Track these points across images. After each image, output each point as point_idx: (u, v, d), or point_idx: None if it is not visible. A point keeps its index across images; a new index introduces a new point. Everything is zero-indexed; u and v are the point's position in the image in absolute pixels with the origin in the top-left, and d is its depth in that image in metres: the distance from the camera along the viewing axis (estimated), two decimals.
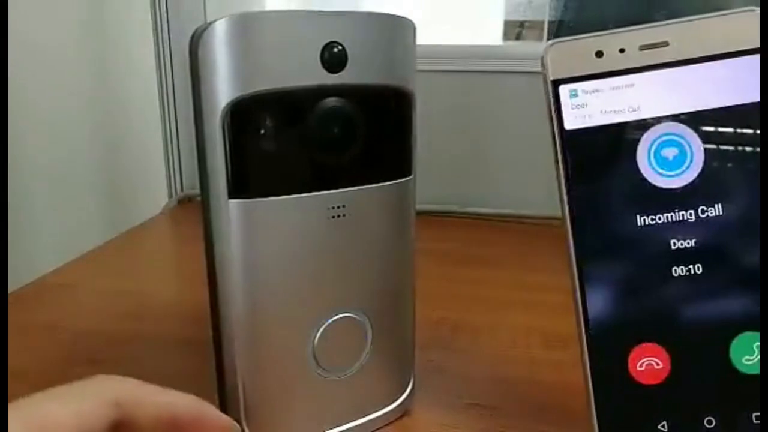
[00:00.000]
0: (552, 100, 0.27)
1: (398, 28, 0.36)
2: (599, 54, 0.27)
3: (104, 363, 0.49)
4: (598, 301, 0.26)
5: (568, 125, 0.27)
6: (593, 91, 0.27)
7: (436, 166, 0.79)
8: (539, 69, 0.28)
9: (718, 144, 0.27)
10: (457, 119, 0.83)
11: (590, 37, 0.27)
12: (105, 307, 0.58)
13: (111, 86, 0.78)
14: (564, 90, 0.27)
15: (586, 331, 0.26)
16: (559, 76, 0.27)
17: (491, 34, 0.92)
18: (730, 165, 0.27)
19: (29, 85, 0.64)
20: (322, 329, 0.37)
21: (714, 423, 0.26)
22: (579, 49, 0.27)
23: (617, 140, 0.27)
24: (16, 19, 0.61)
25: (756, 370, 0.26)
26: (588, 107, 0.27)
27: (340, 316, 0.37)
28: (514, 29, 0.93)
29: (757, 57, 0.26)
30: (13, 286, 0.60)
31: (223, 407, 0.38)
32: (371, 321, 0.38)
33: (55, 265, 0.66)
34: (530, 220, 0.79)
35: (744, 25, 0.27)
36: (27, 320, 0.55)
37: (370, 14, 0.35)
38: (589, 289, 0.27)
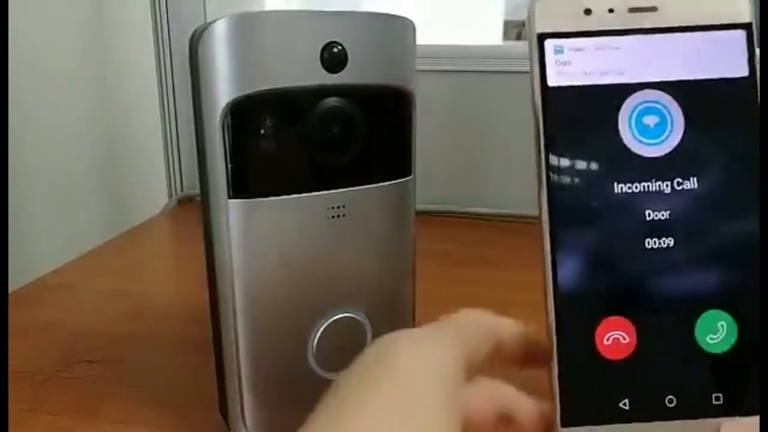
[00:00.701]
0: (536, 54, 0.26)
1: (398, 28, 0.36)
2: (588, 12, 0.26)
3: (104, 362, 0.49)
4: (569, 269, 0.26)
5: (551, 82, 0.26)
6: (578, 50, 0.26)
7: (436, 166, 0.79)
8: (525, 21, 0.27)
9: (698, 117, 0.26)
10: (457, 119, 0.83)
11: None
12: (105, 307, 0.58)
13: (111, 86, 0.78)
14: (549, 45, 0.26)
15: (555, 299, 0.26)
16: (545, 30, 0.26)
17: (491, 34, 0.92)
18: (708, 139, 0.26)
19: (29, 86, 0.64)
20: (322, 329, 0.37)
21: (675, 402, 0.26)
22: (567, 5, 0.26)
23: (599, 102, 0.26)
24: (16, 19, 0.61)
25: (719, 350, 0.26)
26: (572, 65, 0.26)
27: (340, 316, 0.37)
28: (514, 29, 0.93)
29: (742, 33, 0.26)
30: (13, 286, 0.60)
31: (224, 407, 0.38)
32: (371, 321, 0.38)
33: (55, 265, 0.66)
34: (530, 220, 0.79)
35: (731, 1, 0.27)
36: (27, 320, 0.55)
37: (370, 14, 0.35)
38: (561, 256, 0.26)
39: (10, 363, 0.47)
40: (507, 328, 0.27)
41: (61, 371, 0.48)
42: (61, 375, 0.47)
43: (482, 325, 0.27)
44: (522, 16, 0.92)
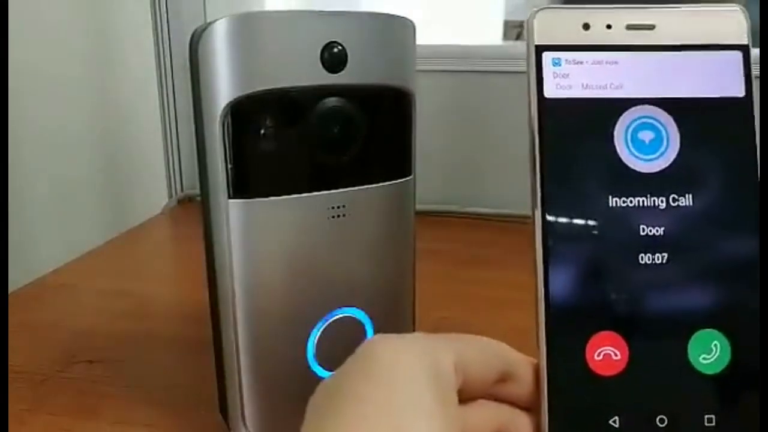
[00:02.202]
0: (534, 66, 0.27)
1: (398, 28, 0.36)
2: (586, 27, 0.27)
3: (104, 362, 0.49)
4: (562, 282, 0.26)
5: (548, 93, 0.26)
6: (576, 63, 0.27)
7: (436, 166, 0.79)
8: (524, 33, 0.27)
9: (694, 134, 0.27)
10: (458, 119, 0.83)
11: (579, 8, 0.27)
12: (105, 307, 0.58)
13: (111, 87, 0.78)
14: (547, 57, 0.27)
15: (546, 312, 0.26)
16: (544, 43, 0.27)
17: (491, 34, 0.92)
18: (704, 157, 0.27)
19: (30, 86, 0.64)
20: (322, 329, 0.37)
21: (666, 422, 0.26)
22: (566, 19, 0.27)
23: (596, 116, 0.27)
24: (16, 19, 0.61)
25: (712, 370, 0.26)
26: (570, 78, 0.27)
27: (340, 315, 0.37)
28: (514, 29, 0.93)
29: (739, 54, 0.27)
30: (13, 286, 0.60)
31: (224, 407, 0.38)
32: (371, 321, 0.38)
33: (55, 265, 0.66)
34: (530, 220, 0.79)
35: (729, 22, 0.27)
36: (27, 320, 0.55)
37: (370, 14, 0.35)
38: (553, 269, 0.26)
39: (10, 363, 0.47)
40: (521, 364, 0.26)
41: (61, 371, 0.48)
42: (61, 375, 0.47)
43: (489, 349, 0.26)
44: (522, 15, 0.92)
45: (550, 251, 0.26)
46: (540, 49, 0.27)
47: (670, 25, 0.27)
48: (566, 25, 0.27)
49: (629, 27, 0.27)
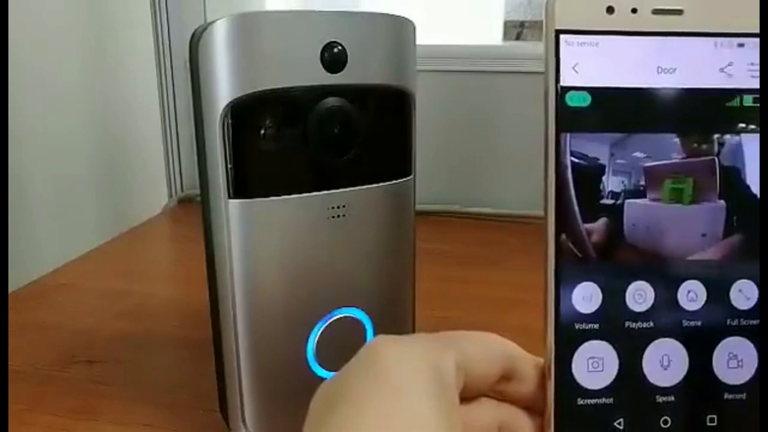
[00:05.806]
0: (552, 51, 0.25)
1: (398, 28, 0.36)
2: (610, 10, 0.25)
3: (104, 362, 0.49)
4: (572, 293, 0.25)
5: (566, 82, 0.25)
6: (597, 49, 0.25)
7: (436, 166, 0.79)
8: (542, 19, 0.26)
9: (719, 121, 0.26)
10: (457, 119, 0.83)
11: None
12: (105, 307, 0.58)
13: (111, 87, 0.78)
14: (567, 42, 0.25)
15: (556, 313, 0.25)
16: (564, 27, 0.25)
17: (491, 34, 0.92)
18: (730, 148, 0.26)
19: (30, 86, 0.64)
20: (322, 329, 0.37)
21: (670, 423, 0.26)
22: (589, 2, 0.25)
23: (618, 106, 0.26)
24: (15, 20, 0.61)
25: (717, 371, 0.26)
26: (589, 65, 0.25)
27: (340, 315, 0.37)
28: (514, 29, 0.93)
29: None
30: (13, 286, 0.60)
31: (224, 407, 0.38)
32: (371, 321, 0.38)
33: (55, 265, 0.66)
34: (531, 220, 0.79)
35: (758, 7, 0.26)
36: (27, 320, 0.55)
37: (370, 14, 0.35)
38: (565, 276, 0.25)
39: (10, 363, 0.47)
40: (524, 362, 0.26)
41: (61, 371, 0.48)
42: (61, 375, 0.47)
43: (493, 347, 0.25)
44: (522, 15, 0.92)
45: (562, 252, 0.25)
46: (560, 34, 0.25)
47: (700, 10, 0.25)
48: (588, 8, 0.25)
49: (656, 11, 0.25)
